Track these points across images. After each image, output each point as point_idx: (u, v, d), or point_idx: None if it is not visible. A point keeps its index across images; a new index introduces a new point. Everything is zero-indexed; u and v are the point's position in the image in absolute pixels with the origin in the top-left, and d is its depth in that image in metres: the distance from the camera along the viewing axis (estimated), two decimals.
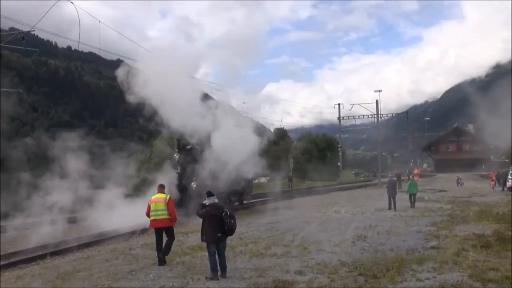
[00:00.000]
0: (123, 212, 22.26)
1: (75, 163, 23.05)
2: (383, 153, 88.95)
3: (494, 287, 9.38)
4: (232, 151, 25.21)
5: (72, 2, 25.77)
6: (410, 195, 26.41)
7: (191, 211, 18.98)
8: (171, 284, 10.14)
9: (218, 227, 10.45)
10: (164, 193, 12.64)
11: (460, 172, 69.47)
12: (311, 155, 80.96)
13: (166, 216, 12.25)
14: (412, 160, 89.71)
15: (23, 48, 29.82)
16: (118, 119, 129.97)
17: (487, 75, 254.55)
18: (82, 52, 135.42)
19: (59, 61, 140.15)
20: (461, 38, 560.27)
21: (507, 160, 65.56)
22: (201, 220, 10.83)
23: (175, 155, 25.83)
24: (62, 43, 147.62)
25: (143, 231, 20.03)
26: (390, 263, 11.26)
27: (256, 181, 38.54)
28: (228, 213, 10.56)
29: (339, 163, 71.82)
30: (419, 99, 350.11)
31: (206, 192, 11.12)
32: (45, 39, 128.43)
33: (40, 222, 21.45)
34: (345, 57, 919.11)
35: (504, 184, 37.43)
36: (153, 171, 29.09)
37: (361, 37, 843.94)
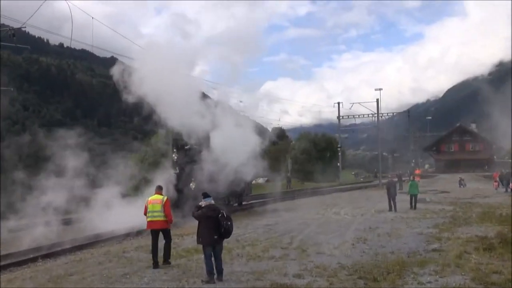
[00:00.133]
0: (117, 213, 22.29)
1: (70, 162, 23.03)
2: (384, 153, 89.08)
3: None
4: (231, 152, 25.25)
5: None
6: (411, 196, 26.47)
7: (188, 212, 18.99)
8: None
9: (214, 229, 10.45)
10: (162, 195, 12.74)
11: (463, 172, 69.75)
12: (310, 155, 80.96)
13: (162, 218, 12.38)
14: (413, 161, 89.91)
15: (14, 45, 29.75)
16: (111, 118, 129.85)
17: (490, 73, 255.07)
18: (74, 50, 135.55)
19: (51, 59, 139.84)
20: (464, 36, 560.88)
21: (510, 160, 65.79)
22: (197, 222, 10.83)
23: (173, 155, 25.86)
24: (54, 40, 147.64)
25: (138, 233, 20.07)
26: (391, 266, 11.28)
27: (254, 182, 38.54)
28: (225, 215, 10.56)
29: (338, 164, 71.87)
30: (420, 98, 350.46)
31: (202, 194, 11.12)
32: (36, 36, 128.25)
33: (34, 223, 21.40)
34: (345, 54, 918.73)
35: (508, 185, 37.51)
36: (149, 171, 29.08)
37: (361, 34, 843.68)
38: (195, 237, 10.94)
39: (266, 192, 42.51)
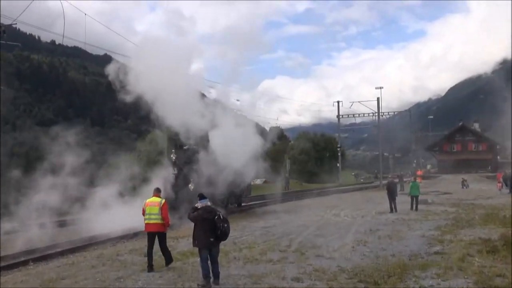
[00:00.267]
0: (112, 215, 22.30)
1: (64, 162, 23.03)
2: (385, 154, 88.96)
3: None
4: (231, 152, 25.33)
5: None
6: (412, 198, 26.51)
7: (185, 214, 19.05)
8: None
9: (210, 231, 10.44)
10: (160, 197, 12.80)
11: (466, 173, 69.79)
12: (309, 156, 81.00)
13: (159, 221, 12.42)
14: (415, 161, 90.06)
15: (4, 42, 29.69)
16: (105, 117, 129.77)
17: (494, 72, 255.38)
18: (66, 47, 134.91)
19: (42, 56, 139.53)
20: (467, 33, 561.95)
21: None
22: (193, 224, 10.83)
23: (171, 155, 25.90)
24: (45, 37, 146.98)
25: (133, 235, 20.09)
26: (392, 269, 11.29)
27: (252, 183, 38.64)
28: (221, 217, 10.55)
29: (338, 164, 71.97)
30: (422, 97, 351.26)
31: (198, 195, 11.13)
32: (27, 33, 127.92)
33: (28, 225, 21.40)
34: (345, 52, 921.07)
35: None
36: (144, 172, 29.10)
37: (362, 31, 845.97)
38: (191, 239, 10.94)
39: (263, 193, 42.54)
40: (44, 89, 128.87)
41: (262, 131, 33.80)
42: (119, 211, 22.76)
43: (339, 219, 23.69)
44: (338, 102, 69.00)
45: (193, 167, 24.98)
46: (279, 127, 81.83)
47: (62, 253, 16.91)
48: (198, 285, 10.44)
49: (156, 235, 12.52)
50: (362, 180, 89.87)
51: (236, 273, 11.61)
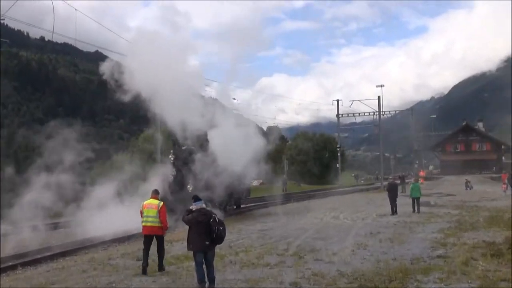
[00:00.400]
0: (104, 218, 22.27)
1: (54, 163, 23.02)
2: (386, 154, 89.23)
3: None
4: (232, 153, 25.38)
5: None
6: (413, 200, 26.54)
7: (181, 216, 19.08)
8: None
9: (205, 234, 10.42)
10: (158, 199, 12.85)
11: (469, 174, 69.96)
12: (308, 156, 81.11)
13: (157, 224, 12.47)
14: (417, 162, 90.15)
15: None
16: (96, 116, 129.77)
17: (498, 69, 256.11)
18: (56, 43, 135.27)
19: (31, 53, 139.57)
20: (470, 29, 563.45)
21: None
22: (187, 226, 10.82)
23: (170, 156, 25.97)
24: (34, 33, 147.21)
25: (126, 238, 20.09)
26: (393, 274, 11.29)
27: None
28: (217, 219, 10.53)
29: (337, 165, 71.93)
30: (424, 95, 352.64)
31: (192, 197, 11.11)
32: (16, 29, 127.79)
33: (19, 227, 21.36)
34: (344, 49, 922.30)
35: None
36: (138, 172, 29.11)
37: (362, 27, 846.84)
38: (185, 243, 10.92)
39: (260, 195, 42.52)
40: (33, 87, 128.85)
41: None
42: (112, 213, 22.77)
43: (339, 221, 23.71)
44: (337, 100, 68.88)
45: (192, 168, 25.03)
46: (276, 126, 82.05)
47: (52, 257, 16.86)
48: None
49: (153, 238, 12.59)
50: (362, 181, 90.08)
51: (232, 277, 11.61)
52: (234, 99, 32.52)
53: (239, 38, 29.95)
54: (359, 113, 66.80)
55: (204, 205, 10.89)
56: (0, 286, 11.78)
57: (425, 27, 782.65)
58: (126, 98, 23.72)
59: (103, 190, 24.37)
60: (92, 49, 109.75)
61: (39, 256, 17.00)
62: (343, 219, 24.50)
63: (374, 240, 16.95)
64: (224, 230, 10.62)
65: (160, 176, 25.09)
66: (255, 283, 10.98)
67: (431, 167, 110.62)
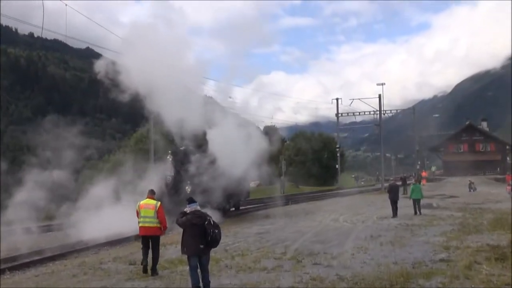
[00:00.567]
0: (96, 220, 22.27)
1: (45, 164, 23.02)
2: (387, 154, 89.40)
3: None
4: (232, 154, 25.42)
5: None
6: (414, 201, 26.55)
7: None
8: None
9: (200, 237, 10.39)
10: (154, 199, 12.98)
11: (473, 175, 70.06)
12: (306, 157, 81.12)
13: (155, 224, 12.63)
14: (419, 162, 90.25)
15: None
16: (87, 115, 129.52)
17: (503, 67, 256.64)
18: (46, 40, 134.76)
19: (20, 50, 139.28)
20: (474, 26, 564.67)
21: None
22: (181, 229, 10.80)
23: (168, 156, 26.02)
24: (23, 30, 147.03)
25: (118, 241, 20.08)
26: (394, 278, 11.29)
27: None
28: (212, 222, 10.50)
29: (337, 166, 72.00)
30: (427, 94, 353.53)
31: (186, 199, 11.10)
32: (3, 25, 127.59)
33: (9, 230, 21.33)
34: (344, 46, 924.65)
35: None
36: (131, 172, 29.14)
37: (362, 23, 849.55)
38: (179, 246, 10.91)
39: (257, 197, 42.57)
40: (21, 85, 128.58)
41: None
42: (104, 215, 22.74)
43: (338, 224, 23.72)
44: (337, 99, 68.92)
45: (190, 168, 25.08)
46: (274, 125, 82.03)
47: (42, 261, 16.85)
48: None
49: (150, 239, 12.70)
50: (362, 182, 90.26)
51: (228, 282, 11.60)
52: (230, 97, 32.48)
53: (237, 35, 29.95)
54: (359, 112, 66.82)
55: (198, 207, 10.87)
56: None
57: (428, 23, 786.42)
58: (122, 96, 23.74)
59: (95, 191, 24.37)
60: (83, 46, 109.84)
61: (27, 260, 16.98)
62: (343, 222, 24.52)
63: (375, 243, 16.96)
64: (219, 233, 10.60)
65: (157, 176, 25.15)
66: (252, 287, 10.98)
67: (433, 168, 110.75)
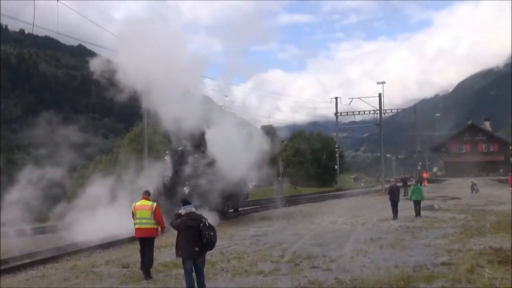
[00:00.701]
0: (89, 222, 22.25)
1: (38, 164, 23.01)
2: (387, 155, 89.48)
3: None
4: (232, 156, 25.45)
5: None
6: (414, 203, 26.57)
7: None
8: None
9: (195, 240, 10.37)
10: (150, 200, 13.01)
11: (475, 176, 70.09)
12: (304, 157, 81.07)
13: (152, 226, 12.66)
14: (420, 163, 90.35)
15: None
16: (79, 114, 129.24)
17: (506, 65, 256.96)
18: (37, 37, 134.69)
19: (10, 47, 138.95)
20: (476, 23, 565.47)
21: None
22: (176, 232, 10.79)
23: (166, 157, 26.04)
24: (13, 26, 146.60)
25: (110, 244, 20.07)
26: (395, 282, 11.30)
27: None
28: (207, 224, 10.47)
29: (336, 166, 72.07)
30: (428, 93, 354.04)
31: (181, 200, 11.08)
32: None
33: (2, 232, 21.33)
34: (344, 43, 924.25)
35: None
36: (124, 173, 29.16)
37: (362, 20, 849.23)
38: (174, 249, 10.90)
39: (255, 198, 42.58)
40: (12, 83, 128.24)
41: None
42: (97, 216, 22.72)
43: (337, 226, 23.72)
44: (336, 98, 69.11)
45: (189, 169, 25.10)
46: (271, 125, 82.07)
47: (32, 264, 16.82)
48: None
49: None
50: (362, 183, 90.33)
51: (224, 286, 11.60)
52: (226, 96, 32.49)
53: (235, 32, 30.00)
54: (359, 112, 66.91)
55: (193, 209, 10.85)
56: None
57: (429, 20, 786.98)
58: (118, 95, 23.76)
59: (88, 192, 24.37)
60: (75, 43, 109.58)
61: (18, 263, 16.96)
62: (342, 224, 24.52)
63: (375, 246, 16.96)
64: (215, 235, 10.57)
65: (153, 177, 25.16)
66: None
67: (435, 169, 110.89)
